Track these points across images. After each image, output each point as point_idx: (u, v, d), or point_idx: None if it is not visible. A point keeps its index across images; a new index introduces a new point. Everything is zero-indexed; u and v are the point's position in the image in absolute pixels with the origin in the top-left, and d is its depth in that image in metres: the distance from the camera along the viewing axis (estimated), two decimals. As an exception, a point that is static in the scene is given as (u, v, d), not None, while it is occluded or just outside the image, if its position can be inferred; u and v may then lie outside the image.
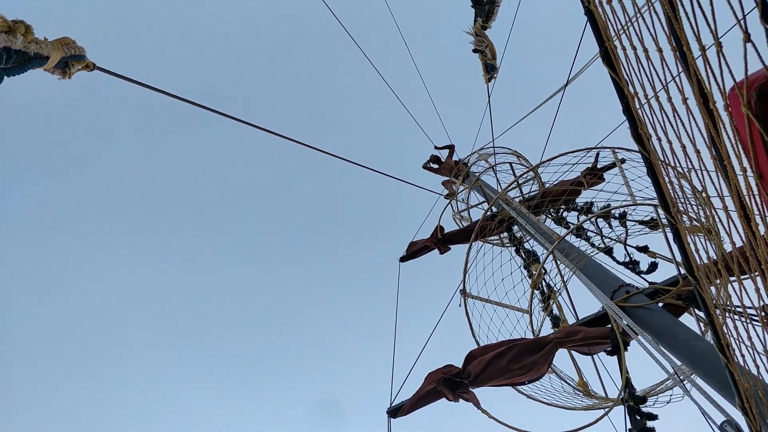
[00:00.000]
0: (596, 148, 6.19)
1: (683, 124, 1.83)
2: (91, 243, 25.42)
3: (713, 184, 1.91)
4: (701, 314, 5.04)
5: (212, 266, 27.17)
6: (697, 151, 1.83)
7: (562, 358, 6.52)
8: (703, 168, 1.92)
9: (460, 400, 5.12)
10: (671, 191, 2.00)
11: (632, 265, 6.62)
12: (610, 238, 6.90)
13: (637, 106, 2.02)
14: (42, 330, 23.52)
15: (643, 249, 6.40)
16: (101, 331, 24.17)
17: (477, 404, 5.07)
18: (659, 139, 1.93)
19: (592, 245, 7.33)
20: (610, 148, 6.15)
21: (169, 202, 27.70)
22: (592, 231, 7.40)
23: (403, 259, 9.10)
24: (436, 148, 11.27)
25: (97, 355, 23.47)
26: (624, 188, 7.02)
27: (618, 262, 6.86)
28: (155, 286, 26.14)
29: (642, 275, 6.39)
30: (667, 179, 1.97)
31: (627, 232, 6.53)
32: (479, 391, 5.36)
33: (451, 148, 11.46)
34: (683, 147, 1.83)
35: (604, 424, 5.96)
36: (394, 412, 5.29)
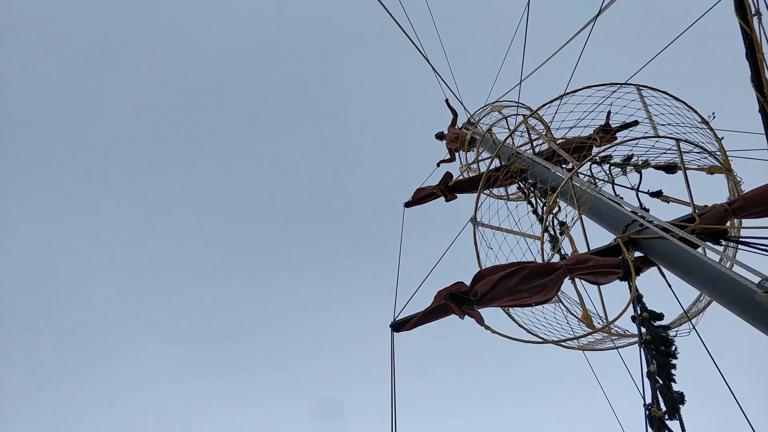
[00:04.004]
0: (618, 84, 6.08)
1: None
2: (89, 239, 25.19)
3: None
4: (716, 247, 4.96)
5: (208, 260, 26.97)
6: None
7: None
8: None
9: (465, 317, 5.07)
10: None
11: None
12: (621, 185, 6.84)
13: None
14: (40, 329, 23.32)
15: (657, 194, 6.34)
16: (99, 329, 23.98)
17: (480, 321, 5.01)
18: None
19: (600, 195, 7.28)
20: (634, 85, 6.03)
21: (162, 192, 27.40)
22: (602, 180, 7.34)
23: (408, 205, 9.02)
24: (447, 103, 11.09)
25: (94, 353, 23.30)
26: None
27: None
28: (151, 279, 25.93)
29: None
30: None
31: (641, 178, 6.46)
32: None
33: (454, 114, 11.29)
34: None
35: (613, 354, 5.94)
36: (398, 326, 5.22)
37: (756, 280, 3.11)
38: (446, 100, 10.88)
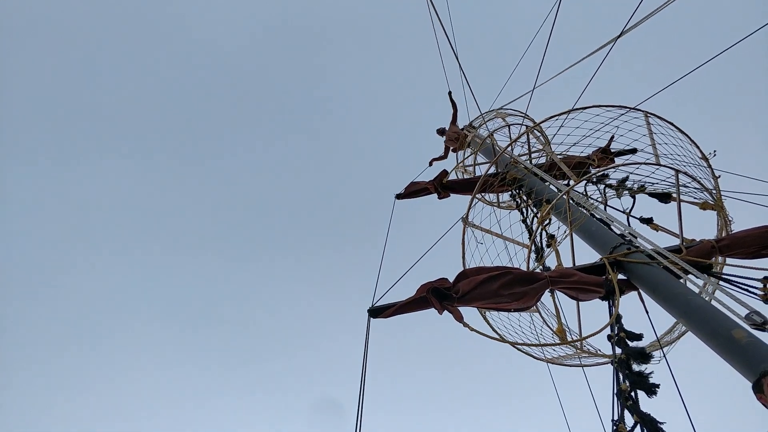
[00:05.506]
0: (627, 107, 6.10)
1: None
2: (88, 238, 24.81)
3: None
4: (701, 280, 5.03)
5: (205, 257, 26.68)
6: None
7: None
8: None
9: (445, 312, 5.07)
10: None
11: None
12: (614, 207, 6.90)
13: None
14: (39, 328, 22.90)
15: (648, 220, 6.40)
16: (97, 327, 23.61)
17: (459, 318, 5.01)
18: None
19: (592, 215, 7.35)
20: (643, 111, 6.05)
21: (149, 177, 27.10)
22: (596, 200, 7.39)
23: (399, 197, 9.00)
24: (449, 95, 11.03)
25: (90, 351, 22.95)
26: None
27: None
28: (148, 275, 25.62)
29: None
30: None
31: (634, 202, 6.51)
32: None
33: (455, 110, 11.27)
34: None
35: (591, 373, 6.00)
36: (376, 312, 5.20)
37: (743, 312, 3.15)
38: (449, 93, 10.80)
